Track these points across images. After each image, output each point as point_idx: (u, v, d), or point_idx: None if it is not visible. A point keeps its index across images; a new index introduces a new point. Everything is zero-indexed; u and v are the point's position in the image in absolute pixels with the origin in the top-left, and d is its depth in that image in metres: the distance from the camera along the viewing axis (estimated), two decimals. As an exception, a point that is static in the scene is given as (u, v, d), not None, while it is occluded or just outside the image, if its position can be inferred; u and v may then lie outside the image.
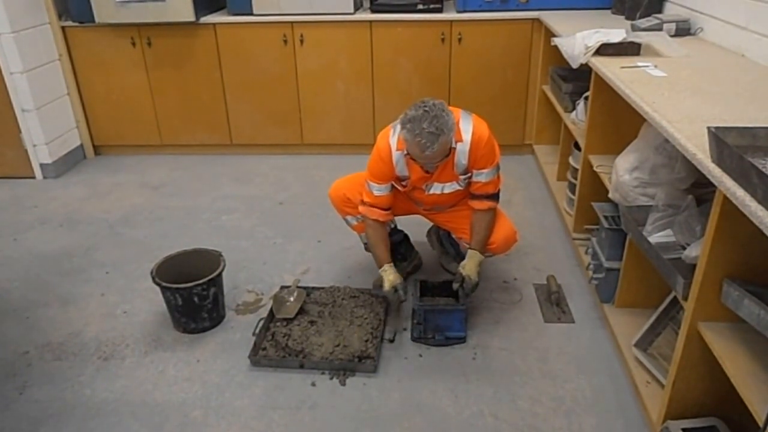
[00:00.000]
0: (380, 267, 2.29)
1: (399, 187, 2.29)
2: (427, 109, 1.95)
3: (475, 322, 2.33)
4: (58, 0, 3.70)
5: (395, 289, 2.24)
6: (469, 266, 2.21)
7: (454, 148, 2.12)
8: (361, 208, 2.30)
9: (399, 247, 2.60)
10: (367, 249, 2.57)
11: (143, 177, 3.79)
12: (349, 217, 2.46)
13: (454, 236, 2.51)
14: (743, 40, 2.42)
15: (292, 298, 2.36)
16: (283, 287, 2.49)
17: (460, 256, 2.55)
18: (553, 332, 2.29)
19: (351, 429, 1.88)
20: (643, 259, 2.02)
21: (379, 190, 2.23)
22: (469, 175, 2.21)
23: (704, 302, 1.52)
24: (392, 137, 2.16)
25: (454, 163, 2.16)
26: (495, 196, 2.26)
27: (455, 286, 2.21)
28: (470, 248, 2.26)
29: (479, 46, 3.63)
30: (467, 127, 2.12)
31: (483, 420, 1.90)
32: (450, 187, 2.26)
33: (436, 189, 2.27)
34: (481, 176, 2.19)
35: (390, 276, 2.26)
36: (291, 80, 3.81)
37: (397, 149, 2.14)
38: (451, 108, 2.10)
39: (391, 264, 2.30)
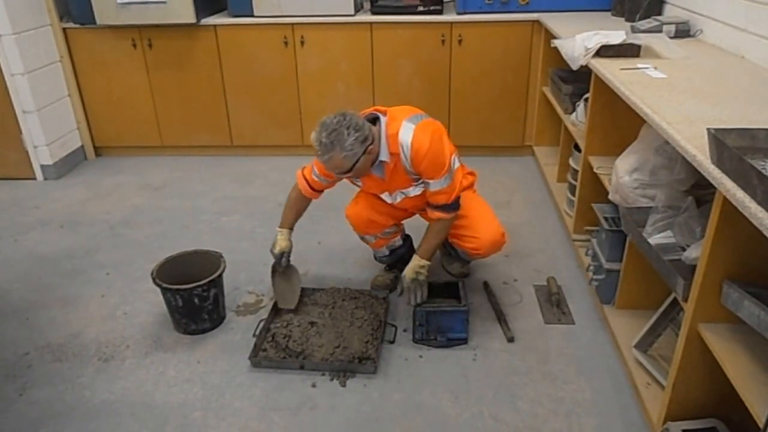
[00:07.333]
0: (280, 227, 2.36)
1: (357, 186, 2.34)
2: (335, 120, 1.93)
3: (475, 324, 2.32)
4: (59, 1, 3.71)
5: (282, 254, 2.32)
6: (407, 268, 2.21)
7: (395, 155, 2.07)
8: (297, 171, 2.36)
9: (404, 255, 2.58)
10: (377, 259, 2.59)
11: (144, 178, 3.80)
12: (368, 236, 2.45)
13: (448, 240, 2.50)
14: (743, 42, 2.42)
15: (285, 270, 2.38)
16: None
17: (462, 259, 2.55)
18: (553, 333, 2.29)
19: (351, 430, 1.88)
20: (643, 261, 2.02)
21: (317, 177, 2.29)
22: (423, 181, 2.15)
23: (704, 303, 1.52)
24: None
25: (404, 169, 2.11)
26: (447, 207, 2.14)
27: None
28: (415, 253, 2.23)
29: (479, 48, 3.64)
30: (406, 140, 2.03)
31: (483, 421, 1.90)
32: (414, 191, 2.22)
33: (400, 196, 2.25)
34: (430, 186, 2.12)
35: (283, 242, 2.33)
36: (291, 82, 3.81)
37: None
38: (397, 114, 2.07)
39: (289, 231, 2.36)
